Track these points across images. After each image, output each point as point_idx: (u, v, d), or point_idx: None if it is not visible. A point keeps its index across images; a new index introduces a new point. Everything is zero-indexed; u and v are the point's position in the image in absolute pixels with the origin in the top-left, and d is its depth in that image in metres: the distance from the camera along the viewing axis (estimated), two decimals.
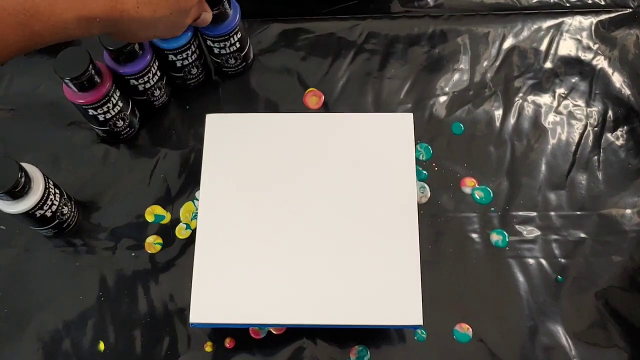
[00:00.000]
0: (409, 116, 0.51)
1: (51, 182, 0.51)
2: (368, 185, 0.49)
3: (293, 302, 0.46)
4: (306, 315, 0.46)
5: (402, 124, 0.51)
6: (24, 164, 0.48)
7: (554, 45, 0.63)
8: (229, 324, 0.47)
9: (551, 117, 0.60)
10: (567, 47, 0.63)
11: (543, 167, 0.58)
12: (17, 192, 0.47)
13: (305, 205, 0.48)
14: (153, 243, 0.55)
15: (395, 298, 0.46)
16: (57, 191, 0.52)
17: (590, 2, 0.65)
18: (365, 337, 0.52)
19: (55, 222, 0.53)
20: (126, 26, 0.41)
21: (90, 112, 0.53)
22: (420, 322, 0.45)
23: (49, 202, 0.50)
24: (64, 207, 0.53)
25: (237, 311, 0.46)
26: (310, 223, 0.48)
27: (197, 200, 0.57)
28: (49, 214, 0.51)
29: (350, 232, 0.47)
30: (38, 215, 0.50)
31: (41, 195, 0.49)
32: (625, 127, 0.59)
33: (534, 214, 0.56)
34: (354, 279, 0.46)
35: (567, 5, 0.65)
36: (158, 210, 0.57)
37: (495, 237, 0.55)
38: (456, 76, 0.62)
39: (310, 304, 0.46)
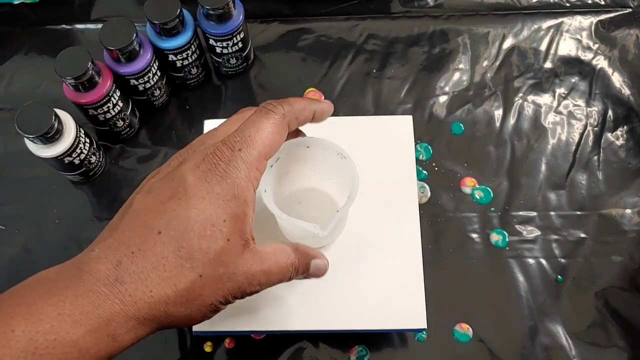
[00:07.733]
0: (409, 118, 0.51)
1: (82, 131, 0.53)
2: (369, 190, 0.48)
3: (296, 308, 0.45)
4: (309, 321, 0.45)
5: (401, 126, 0.51)
6: (58, 111, 0.50)
7: (554, 45, 0.63)
8: (232, 332, 0.47)
9: (551, 117, 0.60)
10: (567, 47, 0.63)
11: (543, 167, 0.58)
12: (49, 137, 0.49)
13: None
14: None
15: (399, 302, 0.45)
16: (87, 140, 0.54)
17: (590, 2, 0.65)
18: (365, 338, 0.52)
19: (83, 169, 0.55)
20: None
21: (91, 112, 0.53)
22: (425, 326, 0.45)
23: (78, 150, 0.52)
24: (92, 156, 0.55)
25: (240, 319, 0.45)
26: None
27: None
28: (77, 161, 0.53)
29: (352, 237, 0.47)
30: (66, 161, 0.52)
31: (72, 142, 0.51)
32: (625, 127, 0.59)
33: (534, 214, 0.56)
34: (356, 284, 0.46)
35: (567, 5, 0.65)
36: None
37: (495, 237, 0.55)
38: (456, 76, 0.62)
39: (313, 310, 0.45)
